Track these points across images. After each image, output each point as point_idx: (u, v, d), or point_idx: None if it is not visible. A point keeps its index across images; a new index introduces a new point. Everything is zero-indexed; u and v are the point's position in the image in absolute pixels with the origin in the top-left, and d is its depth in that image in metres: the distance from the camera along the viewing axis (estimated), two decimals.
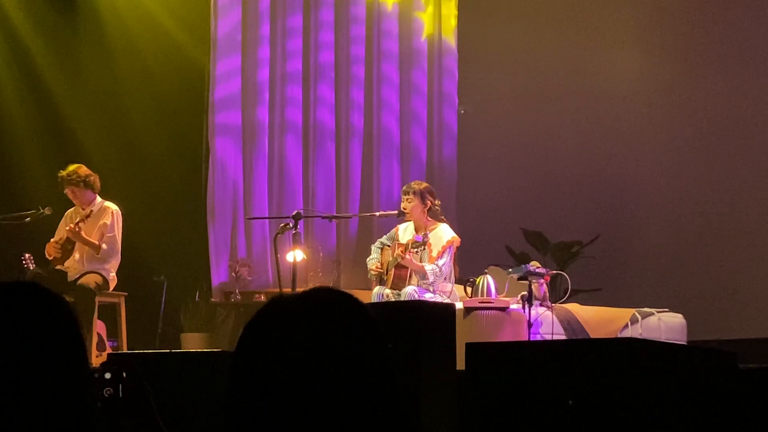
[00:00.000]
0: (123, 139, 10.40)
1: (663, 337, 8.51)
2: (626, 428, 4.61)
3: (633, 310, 8.70)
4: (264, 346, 1.67)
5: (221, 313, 10.37)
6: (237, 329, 10.03)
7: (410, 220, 8.44)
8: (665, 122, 11.33)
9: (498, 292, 8.22)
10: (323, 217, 9.67)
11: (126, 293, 8.72)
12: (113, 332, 8.74)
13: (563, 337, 8.10)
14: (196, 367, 5.96)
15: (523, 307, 7.69)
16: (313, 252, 10.38)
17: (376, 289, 8.34)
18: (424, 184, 8.54)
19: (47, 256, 8.47)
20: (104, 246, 8.40)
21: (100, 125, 10.35)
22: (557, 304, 8.29)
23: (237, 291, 10.28)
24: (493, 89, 12.10)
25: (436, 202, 8.44)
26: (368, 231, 10.87)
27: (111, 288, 8.52)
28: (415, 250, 8.17)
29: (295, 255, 8.19)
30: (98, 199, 8.57)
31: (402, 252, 8.18)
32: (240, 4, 10.78)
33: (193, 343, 9.79)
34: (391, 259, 8.35)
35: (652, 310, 8.84)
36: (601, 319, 8.54)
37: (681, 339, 8.68)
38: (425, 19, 11.93)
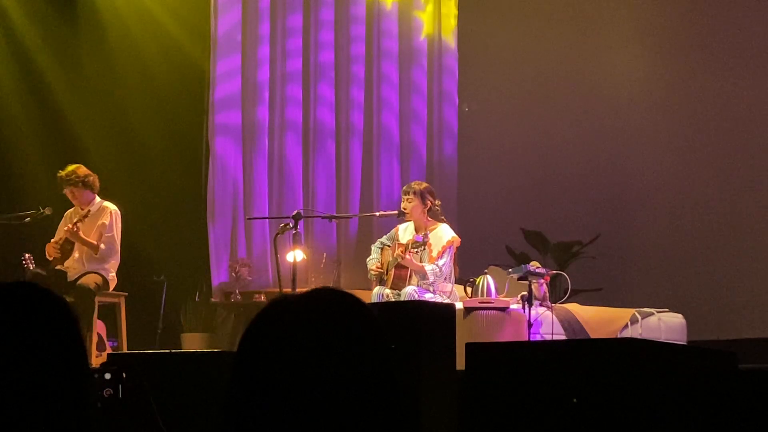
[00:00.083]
0: (123, 138, 10.40)
1: (663, 337, 8.51)
2: (626, 428, 4.61)
3: (633, 310, 8.70)
4: (266, 346, 1.67)
5: (221, 313, 10.37)
6: (237, 329, 10.06)
7: (410, 220, 8.44)
8: (665, 122, 11.33)
9: (498, 292, 8.22)
10: (323, 217, 9.67)
11: (126, 293, 8.72)
12: (113, 332, 8.74)
13: (563, 337, 8.09)
14: (196, 367, 5.96)
15: (523, 307, 7.69)
16: (313, 252, 10.38)
17: (376, 289, 8.34)
18: (425, 185, 8.54)
19: (47, 256, 8.47)
20: (102, 246, 8.40)
21: (100, 125, 10.35)
22: (557, 304, 8.29)
23: (237, 291, 10.28)
24: (493, 89, 12.10)
25: (436, 202, 8.44)
26: (368, 231, 10.87)
27: (111, 288, 8.52)
28: (415, 250, 8.17)
29: (295, 255, 8.19)
30: (97, 199, 8.57)
31: (402, 252, 8.18)
32: (240, 4, 10.78)
33: (193, 343, 9.79)
34: (391, 259, 8.35)
35: (652, 310, 8.84)
36: (601, 319, 8.54)
37: (681, 339, 8.68)
38: (425, 19, 11.93)
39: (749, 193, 10.81)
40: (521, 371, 5.03)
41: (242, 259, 10.49)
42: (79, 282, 8.27)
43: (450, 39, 12.05)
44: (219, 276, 10.47)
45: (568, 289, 8.24)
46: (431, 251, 8.21)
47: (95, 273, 8.39)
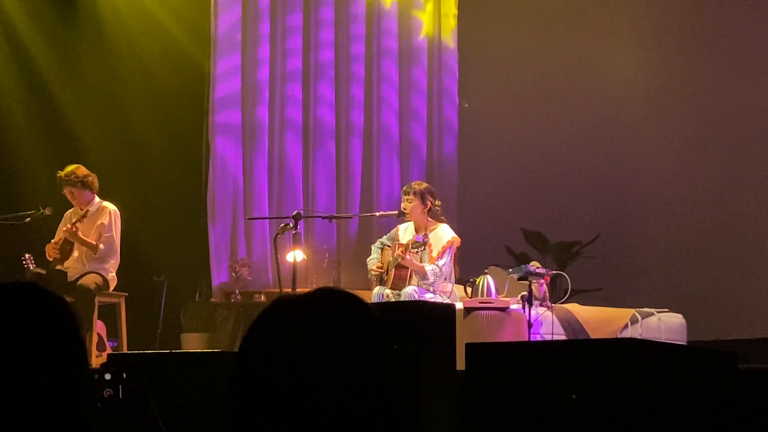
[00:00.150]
0: (123, 138, 10.40)
1: (663, 337, 8.51)
2: (626, 428, 4.61)
3: (633, 310, 8.70)
4: (268, 345, 1.67)
5: (221, 313, 10.37)
6: (237, 329, 10.06)
7: (410, 221, 8.44)
8: (665, 122, 11.33)
9: (498, 292, 8.22)
10: (323, 218, 9.67)
11: (126, 293, 8.72)
12: (113, 332, 8.74)
13: (563, 337, 8.09)
14: (196, 367, 5.96)
15: (523, 307, 7.68)
16: (313, 252, 10.38)
17: (376, 289, 8.34)
18: (425, 185, 8.54)
19: (47, 257, 8.47)
20: (102, 246, 8.40)
21: (100, 125, 10.35)
22: (557, 304, 8.29)
23: (237, 291, 10.28)
24: (492, 89, 12.09)
25: (437, 202, 8.44)
26: (368, 231, 10.87)
27: (111, 288, 8.52)
28: (416, 250, 8.17)
29: (295, 255, 8.19)
30: (96, 199, 8.57)
31: (402, 252, 8.18)
32: (240, 3, 10.78)
33: (193, 343, 9.79)
34: (391, 259, 8.35)
35: (652, 310, 8.84)
36: (601, 319, 8.54)
37: (681, 339, 8.67)
38: (424, 18, 11.93)
39: (749, 193, 10.81)
40: (521, 371, 5.02)
41: (242, 259, 10.49)
42: (79, 282, 8.27)
43: (449, 39, 12.05)
44: (219, 276, 10.47)
45: (568, 289, 8.23)
46: (431, 251, 8.21)
47: (95, 273, 8.39)
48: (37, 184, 9.40)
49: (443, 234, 8.31)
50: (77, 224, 8.30)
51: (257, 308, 9.80)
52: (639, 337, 8.18)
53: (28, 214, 8.66)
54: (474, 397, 5.12)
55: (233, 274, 10.38)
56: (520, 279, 7.88)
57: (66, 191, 8.47)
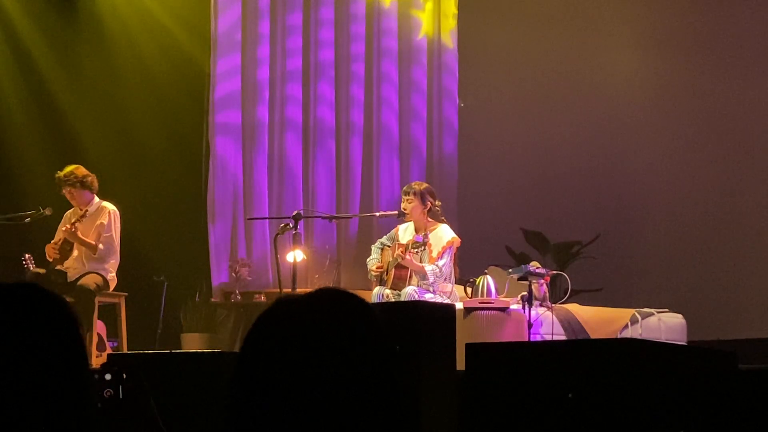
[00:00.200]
0: (123, 138, 10.40)
1: (663, 337, 8.51)
2: (626, 428, 4.61)
3: (633, 310, 8.69)
4: (269, 346, 1.67)
5: (221, 314, 10.37)
6: (237, 329, 10.06)
7: (410, 221, 8.44)
8: (665, 122, 11.32)
9: (498, 292, 8.22)
10: (323, 218, 9.67)
11: (126, 293, 8.72)
12: (113, 332, 8.74)
13: (563, 338, 8.09)
14: (196, 367, 5.96)
15: (523, 308, 7.68)
16: (313, 252, 10.38)
17: (376, 289, 8.34)
18: (425, 185, 8.54)
19: (47, 257, 8.47)
20: (101, 246, 8.40)
21: (100, 125, 10.35)
22: (557, 305, 8.29)
23: (237, 291, 10.28)
24: (492, 89, 12.09)
25: (437, 202, 8.44)
26: (368, 231, 10.87)
27: (111, 288, 8.52)
28: (416, 250, 8.17)
29: (295, 255, 8.19)
30: (96, 199, 8.57)
31: (402, 252, 8.18)
32: (240, 2, 10.77)
33: (193, 343, 9.79)
34: (391, 259, 8.35)
35: (652, 310, 8.84)
36: (601, 319, 8.54)
37: (681, 339, 8.67)
38: (424, 18, 11.93)
39: (749, 193, 10.81)
40: (521, 371, 5.03)
41: (242, 260, 10.48)
42: (79, 282, 8.27)
43: (449, 38, 12.05)
44: (219, 276, 10.47)
45: (568, 289, 8.23)
46: (431, 251, 8.21)
47: (95, 273, 8.39)
48: (37, 184, 9.40)
49: (443, 234, 8.31)
50: (76, 224, 8.31)
51: (257, 308, 9.81)
52: (639, 337, 8.17)
53: (28, 214, 8.66)
54: (474, 397, 5.12)
55: (233, 274, 10.38)
56: (520, 279, 7.88)
57: (65, 191, 8.47)
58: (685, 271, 10.81)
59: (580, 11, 11.70)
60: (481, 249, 10.31)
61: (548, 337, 8.00)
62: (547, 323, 8.10)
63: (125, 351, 8.34)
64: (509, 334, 7.86)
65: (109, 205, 8.57)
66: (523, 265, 8.05)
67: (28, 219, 8.66)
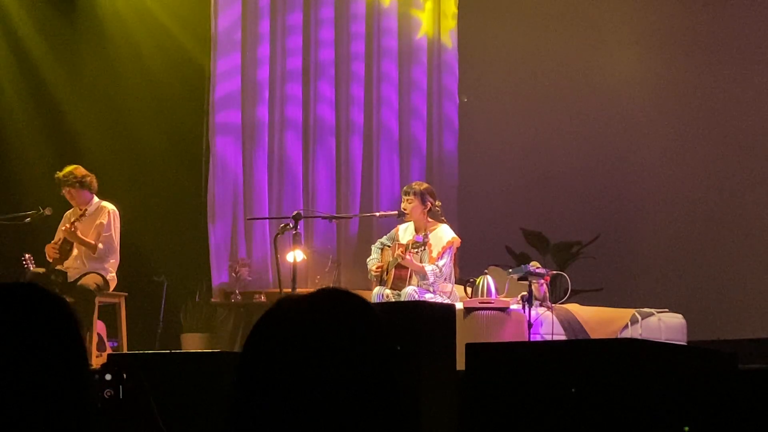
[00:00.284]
0: (123, 138, 10.40)
1: (663, 337, 8.51)
2: (626, 428, 4.61)
3: (633, 310, 8.69)
4: (271, 346, 1.67)
5: (221, 314, 10.37)
6: (237, 329, 10.06)
7: (410, 221, 8.45)
8: (665, 122, 11.32)
9: (498, 292, 8.22)
10: (323, 218, 9.67)
11: (126, 293, 8.72)
12: (113, 332, 8.74)
13: (563, 338, 8.09)
14: (196, 367, 5.96)
15: (523, 308, 7.68)
16: (313, 252, 10.38)
17: (376, 289, 8.34)
18: (425, 185, 8.54)
19: (47, 257, 8.47)
20: (101, 246, 8.41)
21: (100, 125, 10.36)
22: (557, 305, 8.29)
23: (237, 291, 10.28)
24: (492, 89, 12.09)
25: (437, 202, 8.44)
26: (368, 231, 10.87)
27: (111, 288, 8.53)
28: (416, 250, 8.17)
29: (295, 255, 8.19)
30: (95, 199, 8.57)
31: (402, 252, 8.18)
32: (239, 2, 10.77)
33: (193, 343, 9.79)
34: (391, 259, 8.35)
35: (652, 310, 8.83)
36: (601, 319, 8.54)
37: (681, 339, 8.67)
38: (424, 17, 11.93)
39: (749, 193, 10.81)
40: (521, 371, 5.03)
41: (242, 260, 10.48)
42: (79, 282, 8.27)
43: (448, 38, 12.05)
44: (219, 276, 10.47)
45: (568, 289, 8.23)
46: (431, 252, 8.21)
47: (95, 273, 8.39)
48: (37, 184, 9.40)
49: (443, 234, 8.31)
50: (76, 224, 8.31)
51: (257, 308, 9.82)
52: (639, 337, 8.17)
53: (28, 214, 8.67)
54: (474, 397, 5.12)
55: (233, 274, 10.37)
56: (520, 279, 7.87)
57: (64, 191, 8.47)
58: (685, 271, 10.82)
59: (580, 11, 11.70)
60: (481, 249, 10.31)
61: (548, 337, 8.00)
62: (547, 323, 8.10)
63: (125, 351, 8.34)
64: (509, 334, 7.86)
65: (109, 205, 8.57)
66: (523, 265, 8.04)
67: (28, 219, 8.67)
